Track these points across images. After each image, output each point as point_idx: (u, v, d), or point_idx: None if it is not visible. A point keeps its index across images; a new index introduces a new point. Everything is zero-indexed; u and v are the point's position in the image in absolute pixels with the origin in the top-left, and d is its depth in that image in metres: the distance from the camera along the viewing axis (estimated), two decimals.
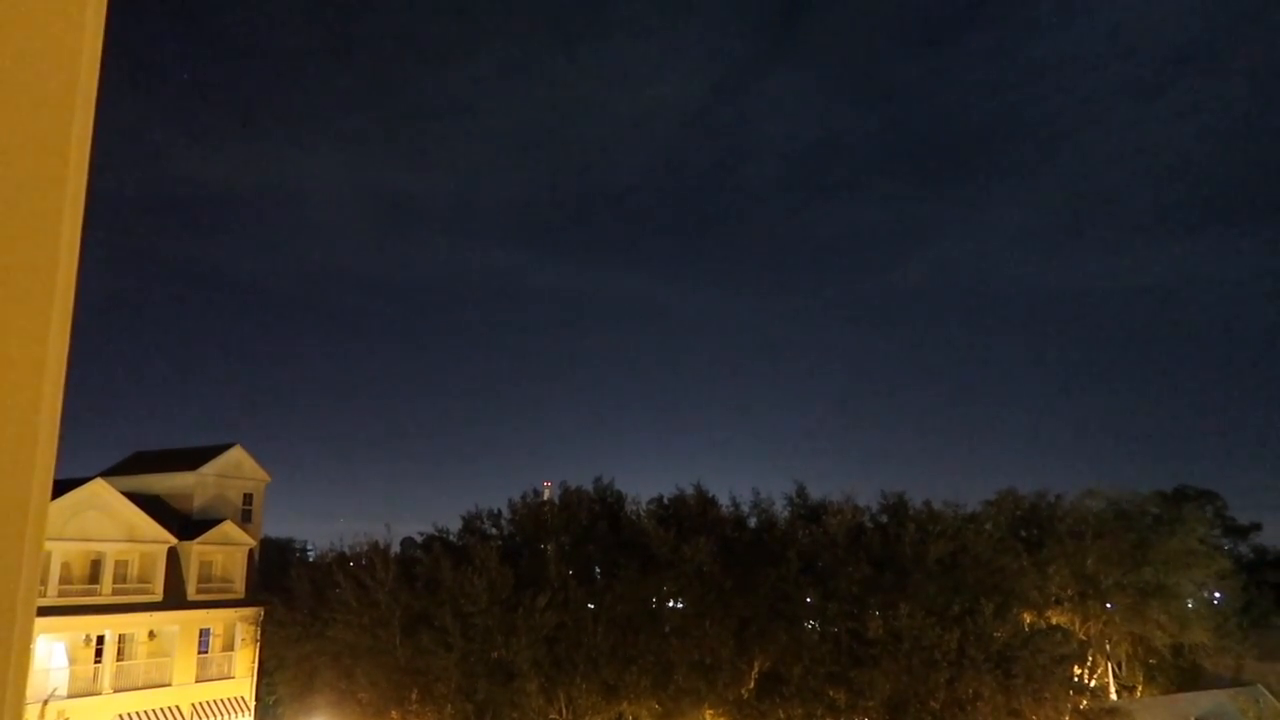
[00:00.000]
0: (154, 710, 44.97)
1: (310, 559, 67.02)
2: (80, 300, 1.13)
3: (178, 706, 45.94)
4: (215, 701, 47.71)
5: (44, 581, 41.30)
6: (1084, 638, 51.20)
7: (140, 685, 44.96)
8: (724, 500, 51.14)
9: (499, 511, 51.82)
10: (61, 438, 1.10)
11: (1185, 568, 52.43)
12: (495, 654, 41.46)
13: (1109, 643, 53.31)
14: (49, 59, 1.06)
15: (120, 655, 45.21)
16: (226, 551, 50.12)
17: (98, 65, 1.13)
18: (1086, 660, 51.77)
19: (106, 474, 49.07)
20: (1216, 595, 57.17)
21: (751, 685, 44.47)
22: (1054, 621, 50.30)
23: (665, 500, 51.21)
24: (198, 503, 50.98)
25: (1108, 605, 52.06)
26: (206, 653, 48.52)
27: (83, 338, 1.18)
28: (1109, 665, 53.69)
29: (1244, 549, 64.84)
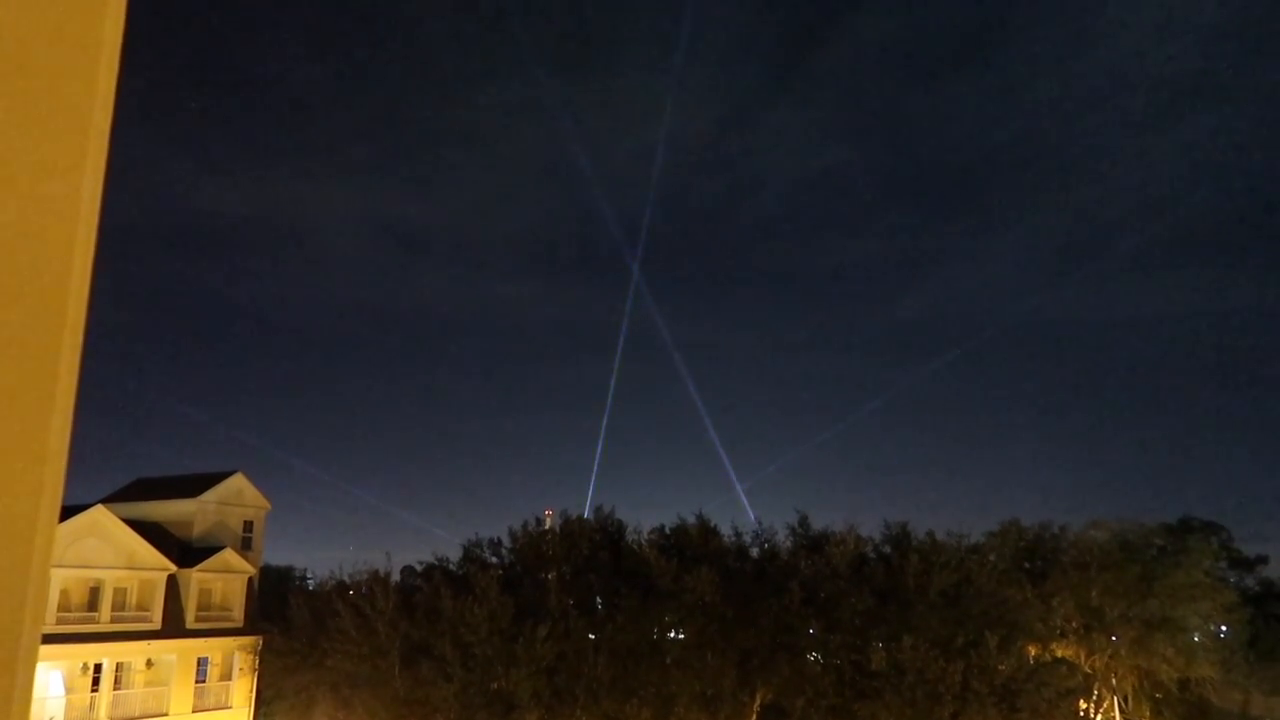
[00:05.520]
0: None
1: (310, 587, 66.66)
2: (89, 327, 1.14)
3: None
4: None
5: None
6: (1089, 671, 50.73)
7: (137, 715, 44.57)
8: (725, 530, 50.95)
9: (499, 540, 51.62)
10: (68, 464, 1.10)
11: (1191, 600, 51.96)
12: (495, 685, 41.12)
13: (1115, 676, 52.77)
14: (65, 90, 1.08)
15: (117, 684, 44.88)
16: (226, 579, 49.88)
17: (112, 96, 1.14)
18: (1092, 694, 51.27)
19: (108, 500, 48.96)
20: (1223, 628, 56.66)
21: (753, 718, 44.05)
22: (1059, 654, 49.86)
23: (667, 530, 51.00)
24: (198, 530, 50.82)
25: (1113, 638, 51.59)
26: (204, 682, 48.15)
27: (88, 365, 1.18)
28: (1115, 699, 53.11)
29: (1250, 582, 64.25)
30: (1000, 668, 41.04)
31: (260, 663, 48.71)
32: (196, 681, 47.70)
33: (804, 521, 50.72)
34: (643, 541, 49.87)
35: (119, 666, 45.15)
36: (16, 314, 1.02)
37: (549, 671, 41.51)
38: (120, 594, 45.92)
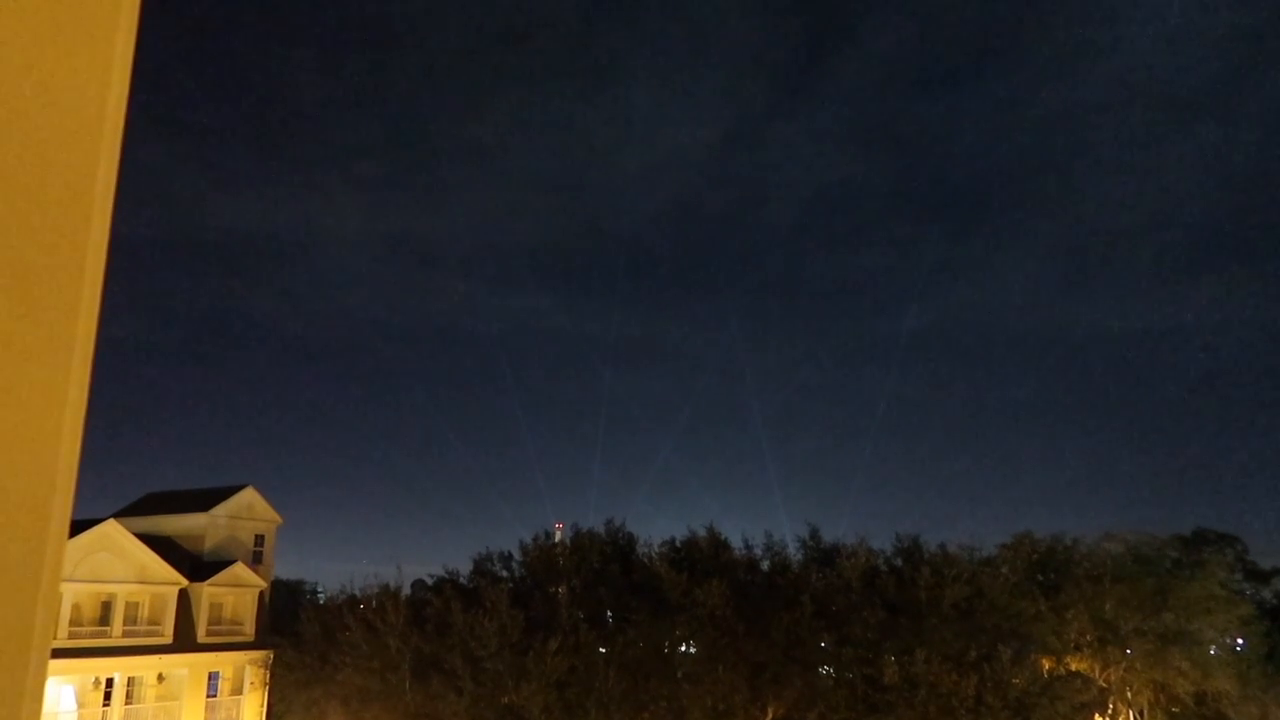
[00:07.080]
0: None
1: (320, 601, 66.69)
2: (100, 340, 1.14)
3: None
4: None
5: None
6: (1104, 685, 50.23)
7: None
8: (736, 543, 50.73)
9: (510, 553, 51.56)
10: (78, 478, 1.10)
11: (1206, 613, 51.45)
12: (506, 699, 40.97)
13: (1130, 690, 52.24)
14: (76, 104, 1.08)
15: (128, 698, 44.91)
16: (237, 593, 49.93)
17: (123, 110, 1.14)
18: (1107, 708, 50.72)
19: (119, 515, 49.12)
20: (1239, 642, 56.04)
21: None
22: (1073, 668, 49.39)
23: (677, 542, 50.81)
24: (209, 544, 50.91)
25: (1128, 651, 51.10)
26: (215, 696, 48.13)
27: (98, 378, 1.18)
28: (1130, 713, 52.57)
29: (1266, 594, 63.56)
30: (1014, 681, 40.69)
31: (271, 677, 48.67)
32: (207, 696, 47.68)
33: (815, 534, 50.58)
34: (653, 554, 49.72)
35: (130, 681, 45.18)
36: (27, 327, 1.02)
37: (559, 685, 41.34)
38: (132, 608, 46.01)
